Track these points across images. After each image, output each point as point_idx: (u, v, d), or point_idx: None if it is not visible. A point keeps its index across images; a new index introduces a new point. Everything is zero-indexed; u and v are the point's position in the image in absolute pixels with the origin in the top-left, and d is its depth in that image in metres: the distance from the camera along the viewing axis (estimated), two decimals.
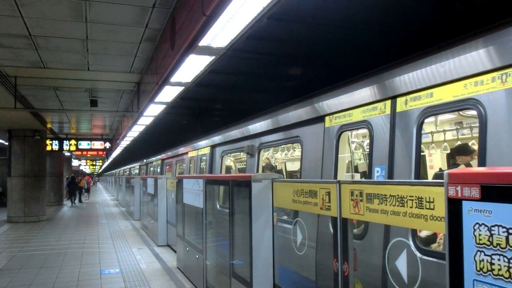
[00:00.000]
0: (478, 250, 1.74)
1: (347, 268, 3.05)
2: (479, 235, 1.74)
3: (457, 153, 4.92)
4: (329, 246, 3.61)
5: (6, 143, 17.64)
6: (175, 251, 9.21)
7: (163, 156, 16.80)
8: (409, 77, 3.46)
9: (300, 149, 5.34)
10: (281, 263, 4.59)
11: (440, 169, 6.02)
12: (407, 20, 4.53)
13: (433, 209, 2.33)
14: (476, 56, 2.87)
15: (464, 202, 1.81)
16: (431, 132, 5.87)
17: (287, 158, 9.65)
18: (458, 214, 1.83)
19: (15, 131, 16.48)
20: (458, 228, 1.83)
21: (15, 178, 16.37)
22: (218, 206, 6.63)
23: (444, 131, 5.88)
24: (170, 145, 16.43)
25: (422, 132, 3.54)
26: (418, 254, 3.09)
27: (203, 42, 4.46)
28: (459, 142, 5.60)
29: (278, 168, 9.11)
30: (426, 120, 3.45)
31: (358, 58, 5.31)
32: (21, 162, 16.45)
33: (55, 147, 19.33)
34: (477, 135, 3.03)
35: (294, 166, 9.81)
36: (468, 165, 4.74)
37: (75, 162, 43.85)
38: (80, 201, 27.12)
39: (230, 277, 5.13)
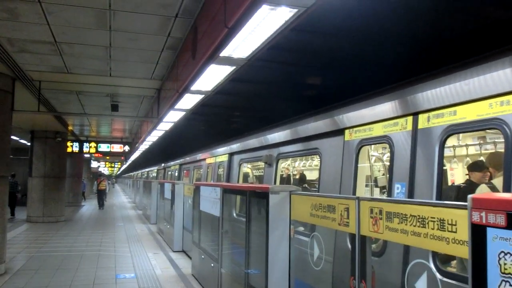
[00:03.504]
0: (503, 280, 1.69)
1: (364, 286, 3.00)
2: (505, 264, 1.69)
3: (470, 169, 4.69)
4: (347, 262, 3.57)
5: (29, 144, 17.96)
6: (190, 258, 9.23)
7: (181, 161, 16.90)
8: (432, 94, 3.41)
9: (319, 161, 5.30)
10: (297, 276, 4.55)
11: (453, 183, 5.90)
12: (431, 34, 4.48)
13: (455, 232, 2.27)
14: (502, 75, 2.81)
15: (488, 229, 1.76)
16: (453, 146, 5.77)
17: (305, 168, 9.60)
18: (482, 241, 1.78)
19: (37, 132, 16.78)
20: (482, 256, 1.78)
21: (36, 178, 16.63)
22: (234, 214, 6.62)
23: (467, 145, 5.77)
24: (188, 151, 16.52)
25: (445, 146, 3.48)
26: (439, 276, 3.03)
27: (224, 53, 4.48)
28: (481, 158, 5.48)
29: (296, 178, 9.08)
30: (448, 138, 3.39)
31: (380, 71, 5.27)
32: (42, 163, 16.72)
33: (76, 149, 19.69)
34: (503, 150, 2.97)
35: (312, 175, 9.75)
36: (480, 182, 4.53)
37: (94, 164, 44.41)
38: (102, 205, 24.40)
39: (245, 287, 5.11)
